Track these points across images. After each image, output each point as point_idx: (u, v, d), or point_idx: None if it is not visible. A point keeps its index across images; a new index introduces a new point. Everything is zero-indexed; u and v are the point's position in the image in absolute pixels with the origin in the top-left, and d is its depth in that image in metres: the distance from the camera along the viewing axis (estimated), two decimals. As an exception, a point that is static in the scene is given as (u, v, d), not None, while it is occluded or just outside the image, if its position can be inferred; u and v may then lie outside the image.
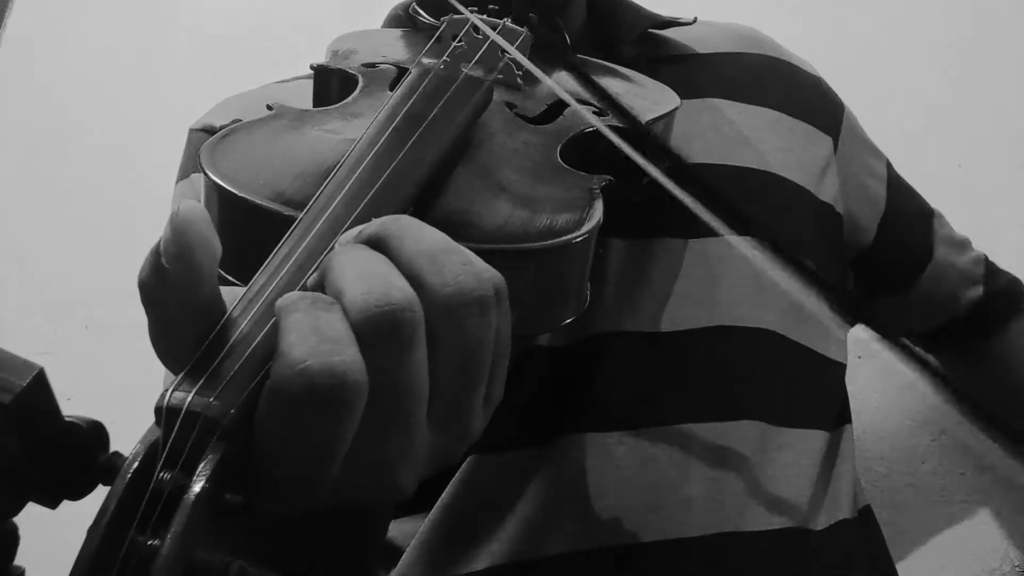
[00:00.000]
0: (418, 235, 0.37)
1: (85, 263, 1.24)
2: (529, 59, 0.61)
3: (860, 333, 0.82)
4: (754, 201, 0.74)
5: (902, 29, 1.17)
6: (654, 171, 0.50)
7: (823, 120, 0.83)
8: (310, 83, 0.66)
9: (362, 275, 0.35)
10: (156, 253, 0.34)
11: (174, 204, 0.77)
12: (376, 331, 0.33)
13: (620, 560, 0.64)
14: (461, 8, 0.52)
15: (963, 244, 0.92)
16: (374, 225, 0.38)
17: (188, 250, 0.34)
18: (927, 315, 0.91)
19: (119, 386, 1.08)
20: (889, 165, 0.90)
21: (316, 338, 0.32)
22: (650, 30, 0.82)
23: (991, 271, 0.92)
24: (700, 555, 0.65)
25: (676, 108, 0.67)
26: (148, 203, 1.24)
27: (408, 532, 0.68)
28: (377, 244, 0.37)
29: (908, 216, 0.89)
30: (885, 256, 0.87)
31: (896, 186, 0.89)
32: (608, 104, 0.54)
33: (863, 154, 0.87)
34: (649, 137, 0.56)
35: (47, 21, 1.34)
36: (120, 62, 1.33)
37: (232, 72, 1.00)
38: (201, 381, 0.32)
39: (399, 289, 0.34)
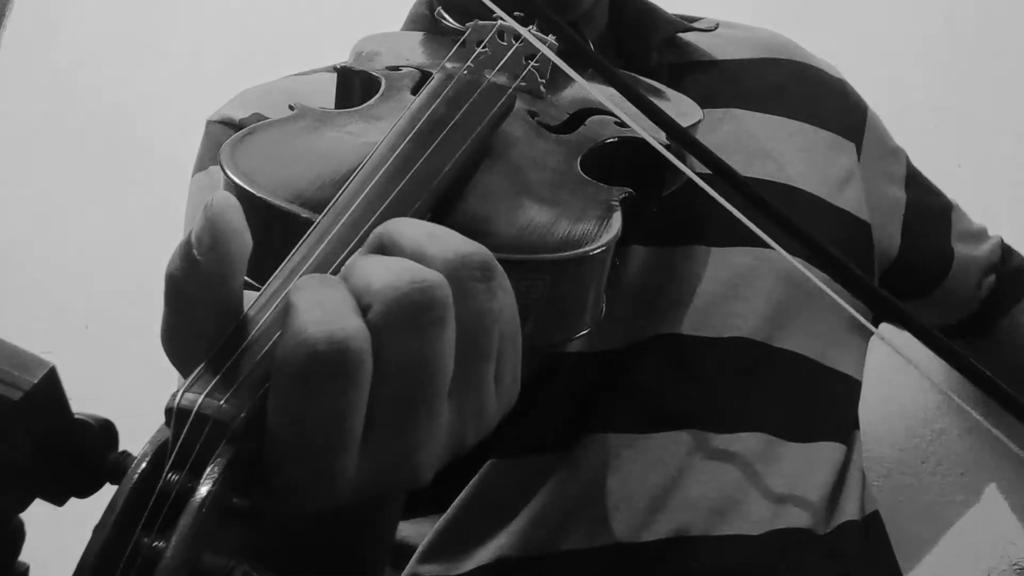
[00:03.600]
0: (413, 222, 0.38)
1: (85, 263, 1.24)
2: (553, 67, 0.61)
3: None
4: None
5: (902, 29, 1.17)
6: (695, 177, 0.50)
7: (847, 126, 0.83)
8: (328, 75, 0.66)
9: (388, 267, 0.35)
10: (188, 244, 0.34)
11: (191, 197, 0.77)
12: (411, 310, 0.33)
13: (623, 558, 0.65)
14: (504, 16, 0.52)
15: (980, 235, 0.92)
16: (370, 238, 0.38)
17: (222, 241, 0.34)
18: (950, 311, 0.92)
19: (119, 386, 1.08)
20: (908, 162, 0.90)
21: (319, 310, 0.32)
22: (673, 35, 0.82)
23: (1006, 254, 0.92)
24: (704, 555, 0.66)
25: (699, 121, 0.67)
26: (148, 203, 1.24)
27: (423, 533, 0.68)
28: (380, 248, 0.37)
29: (928, 217, 0.89)
30: (910, 260, 0.87)
31: (915, 184, 0.89)
32: (642, 106, 0.53)
33: (885, 158, 0.87)
34: (690, 141, 0.56)
35: (48, 21, 1.34)
36: (122, 61, 1.33)
37: (233, 71, 1.00)
38: (213, 383, 0.32)
39: (429, 272, 0.34)
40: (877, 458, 1.04)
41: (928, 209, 0.89)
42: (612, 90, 0.63)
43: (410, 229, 0.37)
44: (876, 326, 0.84)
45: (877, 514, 0.78)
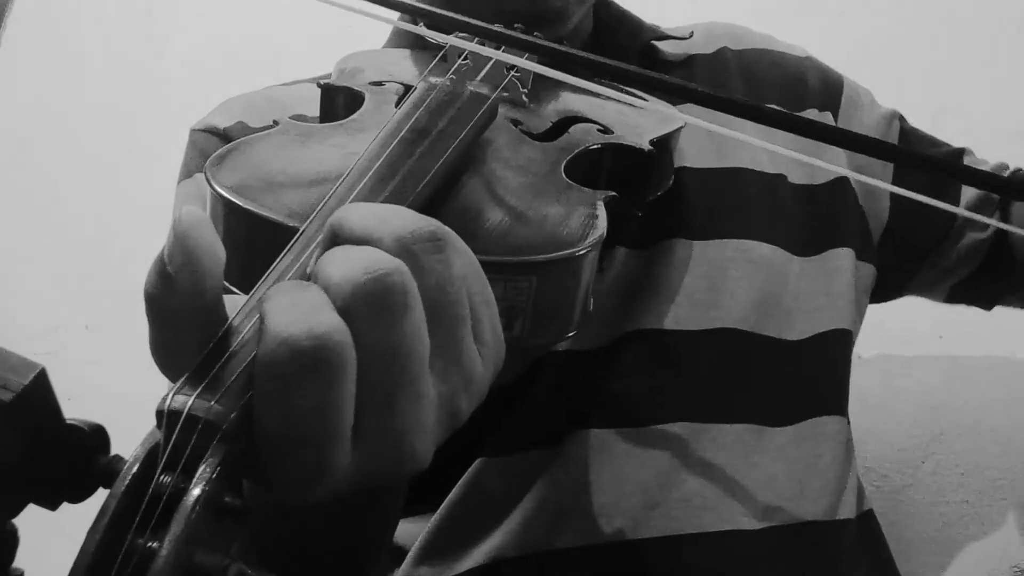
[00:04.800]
0: (360, 205, 0.38)
1: (85, 263, 1.25)
2: (535, 77, 0.62)
3: (861, 334, 0.82)
4: (752, 201, 0.75)
5: (902, 29, 1.17)
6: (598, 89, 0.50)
7: (818, 99, 0.83)
8: (311, 86, 0.66)
9: (345, 257, 0.35)
10: (161, 261, 0.34)
11: (177, 204, 0.77)
12: (369, 299, 0.34)
13: (620, 556, 0.65)
14: (463, 44, 0.52)
15: (998, 170, 0.87)
16: (324, 229, 0.38)
17: (193, 256, 0.34)
18: (967, 258, 0.87)
19: (119, 386, 1.09)
20: (902, 120, 0.88)
21: (294, 310, 0.33)
22: (652, 42, 0.82)
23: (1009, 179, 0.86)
24: (698, 552, 0.66)
25: (680, 128, 0.67)
26: (148, 203, 1.24)
27: (414, 533, 0.68)
28: (332, 237, 0.37)
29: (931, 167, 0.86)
30: (910, 217, 0.84)
31: (913, 140, 0.88)
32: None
33: (871, 120, 0.86)
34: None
35: (48, 24, 1.34)
36: (119, 62, 1.33)
37: (235, 72, 1.00)
38: (203, 385, 0.32)
39: (384, 259, 0.34)
40: (877, 458, 1.04)
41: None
42: (594, 99, 0.63)
43: (356, 213, 0.37)
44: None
45: (872, 513, 0.78)
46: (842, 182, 0.81)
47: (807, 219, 0.78)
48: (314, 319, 0.32)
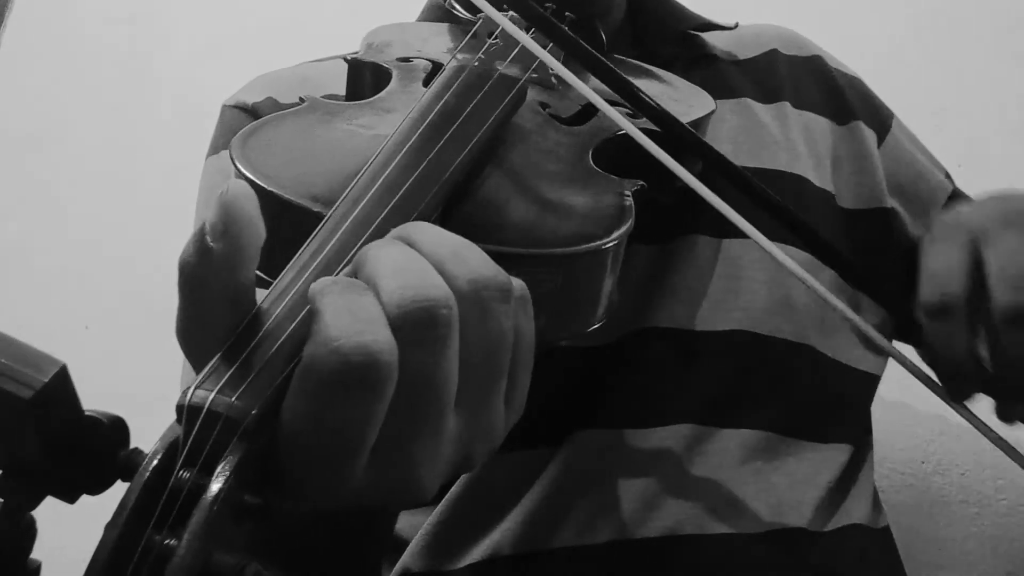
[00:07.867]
0: (439, 233, 0.37)
1: (85, 263, 1.24)
2: (565, 60, 0.60)
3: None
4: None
5: (903, 30, 1.17)
6: (686, 174, 0.50)
7: (865, 117, 0.82)
8: (342, 63, 0.65)
9: (398, 269, 0.34)
10: (201, 232, 0.34)
11: (204, 178, 0.77)
12: (414, 326, 0.33)
13: (618, 555, 0.65)
14: (497, 15, 0.52)
15: None
16: (394, 232, 0.38)
17: (234, 229, 0.34)
18: None
19: (119, 387, 1.08)
20: (948, 176, 0.87)
21: (350, 318, 0.32)
22: (690, 31, 0.81)
23: None
24: (697, 553, 0.65)
25: (711, 112, 0.66)
26: (148, 204, 1.24)
27: (415, 524, 0.68)
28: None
29: None
30: None
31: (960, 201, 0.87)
32: (642, 108, 0.53)
33: (916, 154, 0.85)
34: (687, 138, 0.55)
35: (49, 22, 1.34)
36: (119, 63, 1.33)
37: (233, 75, 1.00)
38: (224, 379, 0.32)
39: (436, 286, 0.34)
40: (878, 459, 1.04)
41: None
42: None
43: (432, 238, 0.37)
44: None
45: (888, 530, 0.77)
46: (881, 209, 0.80)
47: (861, 239, 0.77)
48: (368, 335, 0.32)
